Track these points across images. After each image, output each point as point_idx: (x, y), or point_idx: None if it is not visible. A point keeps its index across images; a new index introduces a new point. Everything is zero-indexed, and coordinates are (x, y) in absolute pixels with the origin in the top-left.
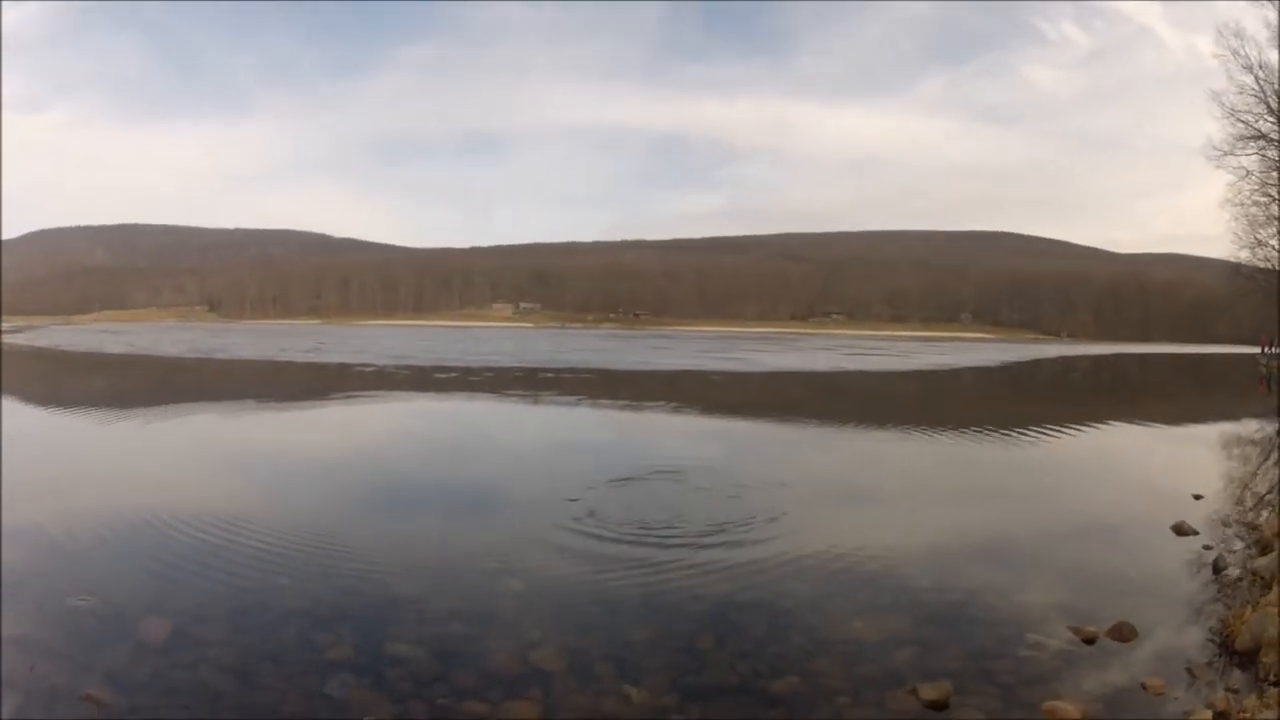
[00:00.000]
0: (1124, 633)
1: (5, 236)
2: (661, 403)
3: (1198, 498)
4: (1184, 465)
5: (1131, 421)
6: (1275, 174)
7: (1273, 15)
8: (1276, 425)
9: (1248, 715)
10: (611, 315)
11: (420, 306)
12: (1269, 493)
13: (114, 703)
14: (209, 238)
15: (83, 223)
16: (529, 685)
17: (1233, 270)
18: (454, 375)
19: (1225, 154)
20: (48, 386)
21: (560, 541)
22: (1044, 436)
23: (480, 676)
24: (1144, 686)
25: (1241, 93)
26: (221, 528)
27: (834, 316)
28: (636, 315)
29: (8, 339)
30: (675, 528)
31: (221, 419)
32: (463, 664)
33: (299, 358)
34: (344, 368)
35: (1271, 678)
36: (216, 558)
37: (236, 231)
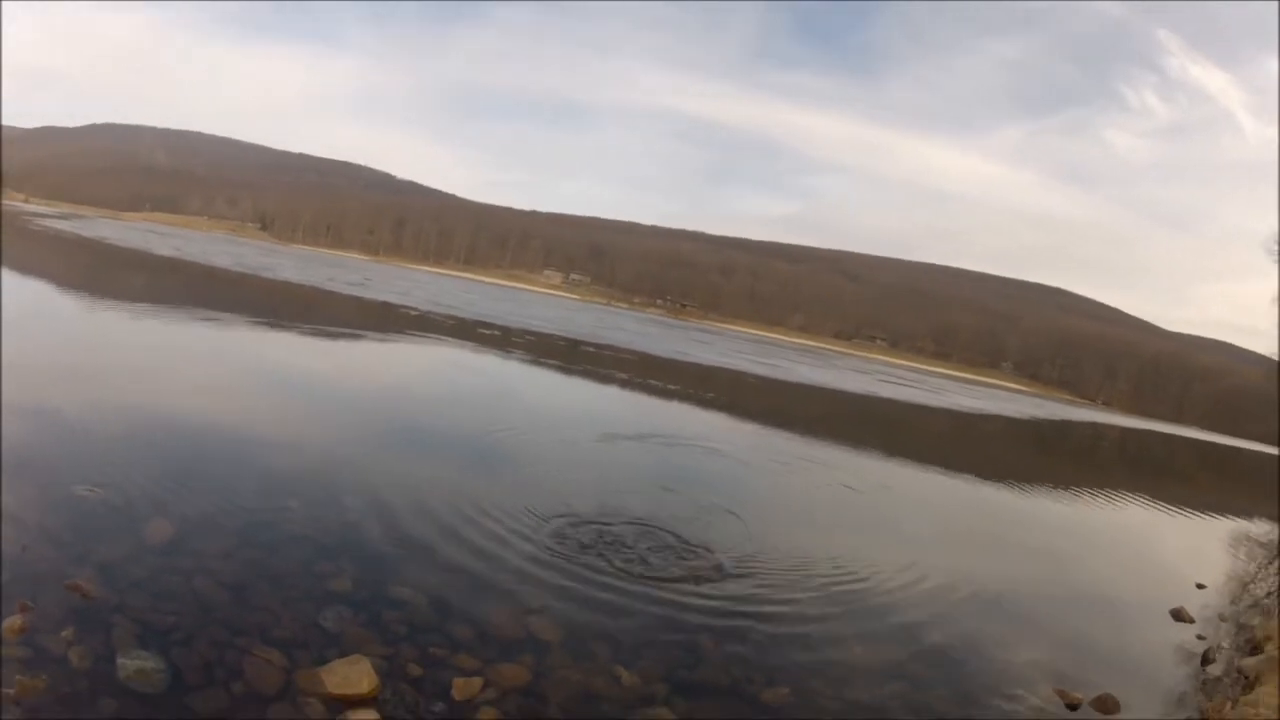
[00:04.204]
0: (1107, 705)
1: (69, 124)
2: (691, 392)
3: (1200, 586)
4: (1193, 553)
5: (1149, 500)
6: None
7: None
8: None
9: None
10: (659, 301)
11: (471, 260)
12: (1266, 596)
13: (101, 596)
14: (271, 157)
15: (149, 123)
16: (523, 650)
17: (1275, 368)
18: (495, 333)
19: None
20: (92, 281)
21: (577, 514)
22: (1063, 501)
23: (476, 633)
24: None
25: None
26: (242, 443)
27: (877, 341)
28: (683, 306)
29: (53, 225)
30: (694, 526)
31: (260, 337)
32: (461, 618)
33: (344, 290)
34: (388, 307)
35: None
36: (231, 471)
37: (300, 156)
